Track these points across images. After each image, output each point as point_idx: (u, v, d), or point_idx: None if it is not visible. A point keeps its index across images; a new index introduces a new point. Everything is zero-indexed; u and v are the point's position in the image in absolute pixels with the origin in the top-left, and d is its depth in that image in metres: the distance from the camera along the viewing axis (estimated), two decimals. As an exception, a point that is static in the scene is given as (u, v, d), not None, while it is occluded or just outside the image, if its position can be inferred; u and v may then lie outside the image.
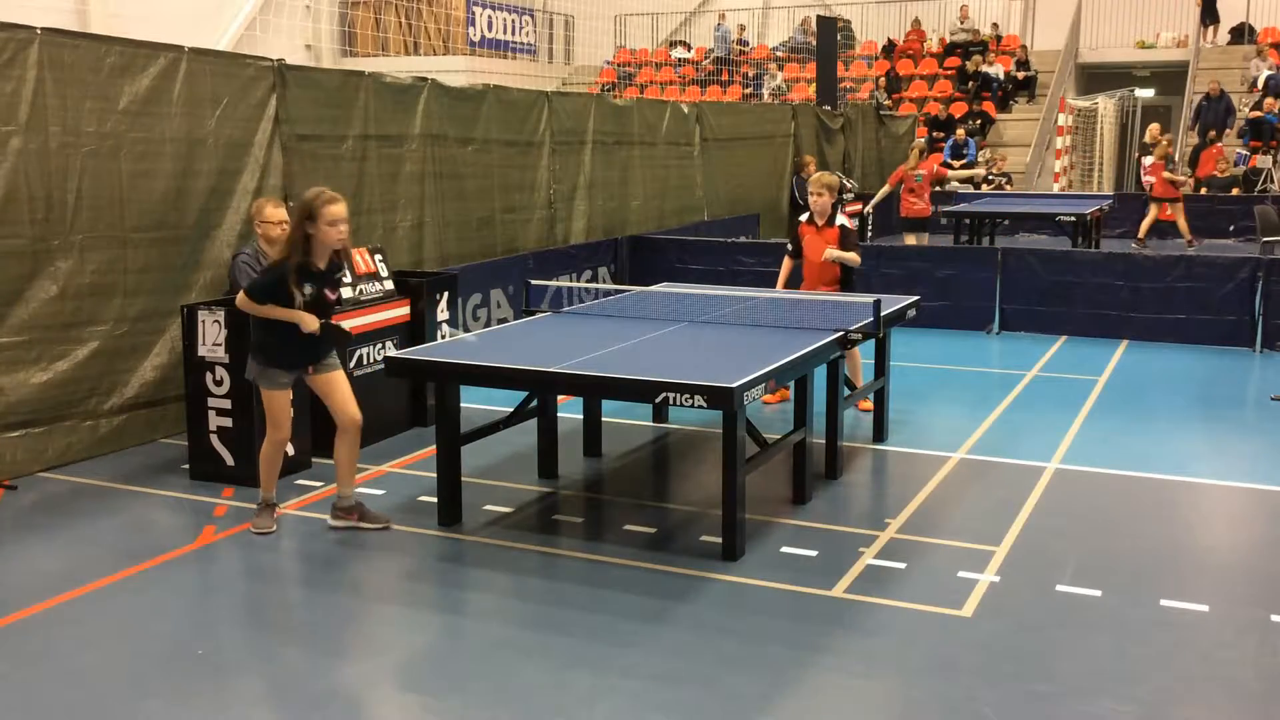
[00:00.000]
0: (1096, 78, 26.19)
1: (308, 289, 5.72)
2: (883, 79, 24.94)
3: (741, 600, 5.08)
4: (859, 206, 17.85)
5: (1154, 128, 20.62)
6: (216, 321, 6.55)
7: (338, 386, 5.92)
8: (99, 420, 7.24)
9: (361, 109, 9.16)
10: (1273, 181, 20.20)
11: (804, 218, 8.26)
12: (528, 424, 6.72)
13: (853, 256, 7.95)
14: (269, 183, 8.21)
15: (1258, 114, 21.09)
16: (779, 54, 26.68)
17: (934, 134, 23.25)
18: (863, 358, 7.77)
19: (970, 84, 24.57)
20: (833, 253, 7.87)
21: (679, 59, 27.44)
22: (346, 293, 7.39)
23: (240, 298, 5.74)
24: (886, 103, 23.88)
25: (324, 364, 5.92)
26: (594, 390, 6.06)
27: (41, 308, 6.89)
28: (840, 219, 8.02)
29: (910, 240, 14.85)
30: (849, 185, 17.98)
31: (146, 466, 7.03)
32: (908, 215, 14.98)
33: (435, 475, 6.09)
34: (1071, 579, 5.28)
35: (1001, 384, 9.27)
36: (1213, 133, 20.85)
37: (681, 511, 6.28)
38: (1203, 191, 20.28)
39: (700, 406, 5.16)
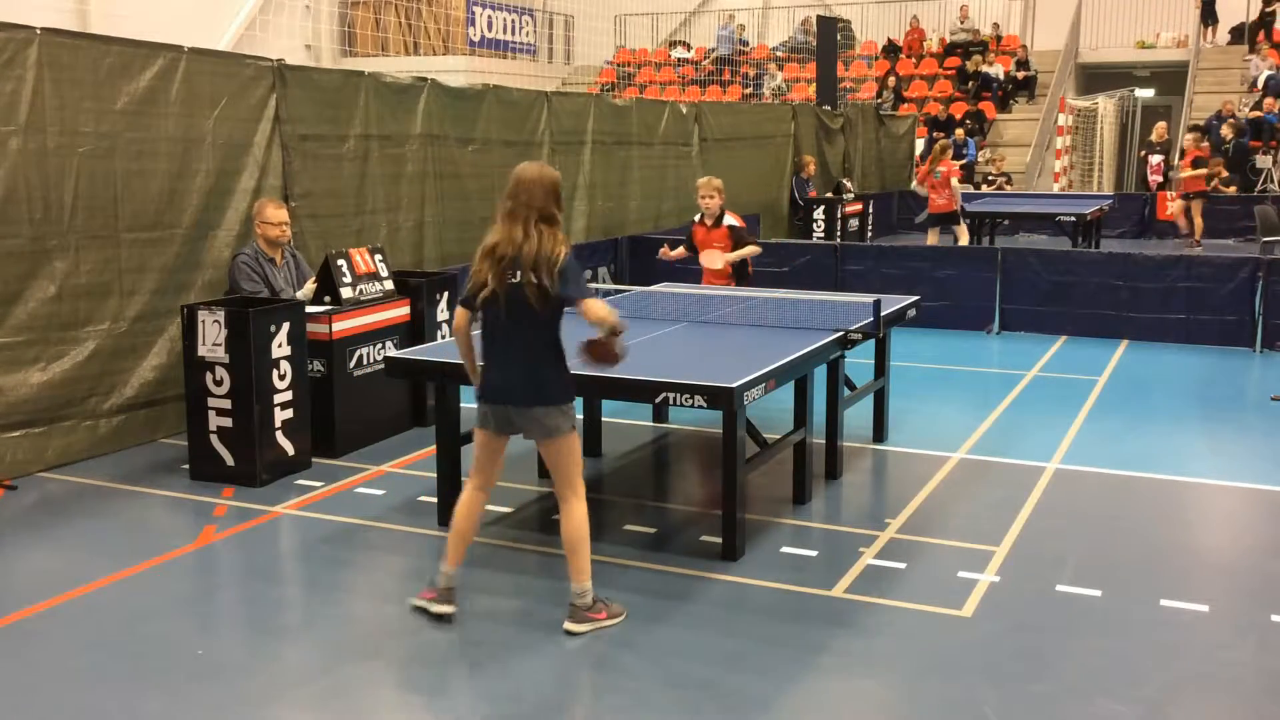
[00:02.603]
0: (1096, 78, 26.19)
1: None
2: (890, 80, 24.89)
3: (741, 600, 5.08)
4: (859, 207, 17.87)
5: (1160, 126, 20.62)
6: (216, 321, 6.55)
7: None
8: (99, 420, 7.23)
9: (362, 109, 9.16)
10: (1273, 181, 20.19)
11: (696, 218, 8.60)
12: (528, 424, 6.71)
13: (750, 250, 8.42)
14: (268, 183, 8.21)
15: (1258, 114, 21.08)
16: (779, 54, 26.67)
17: (934, 134, 23.26)
18: (863, 358, 7.76)
19: (970, 84, 24.57)
20: (729, 256, 8.31)
21: (679, 59, 27.43)
22: (346, 293, 7.40)
23: (598, 307, 4.55)
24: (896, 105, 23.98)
25: None
26: (594, 390, 6.05)
27: (40, 307, 6.88)
28: (728, 219, 8.39)
29: (932, 238, 15.04)
30: (848, 186, 18.02)
31: (146, 466, 7.02)
32: (932, 211, 15.50)
33: (435, 475, 6.09)
34: (1071, 579, 5.27)
35: (1001, 384, 9.27)
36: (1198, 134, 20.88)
37: (681, 511, 6.27)
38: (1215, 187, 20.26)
39: (700, 406, 5.16)
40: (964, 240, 15.60)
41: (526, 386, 4.62)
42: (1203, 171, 17.88)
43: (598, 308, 4.55)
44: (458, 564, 4.85)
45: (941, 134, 23.06)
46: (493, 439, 4.80)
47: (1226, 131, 20.37)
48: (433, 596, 4.81)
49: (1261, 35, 23.40)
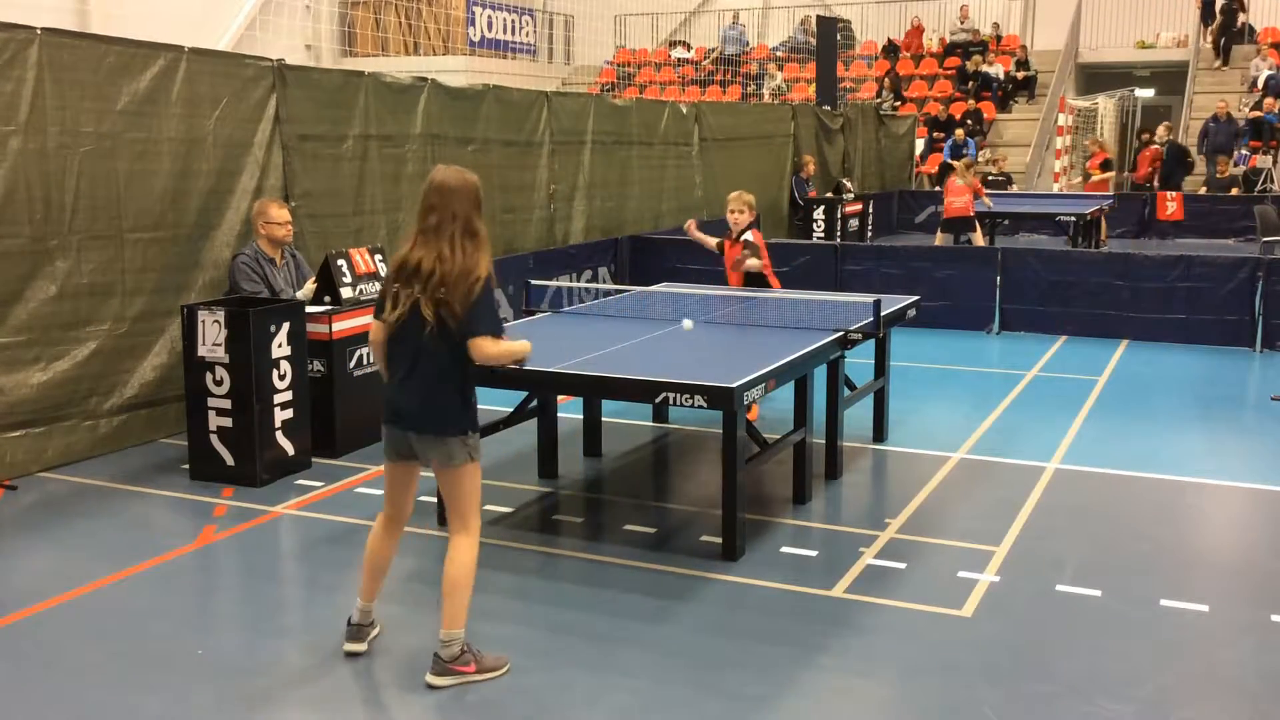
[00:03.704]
0: (1096, 78, 26.18)
1: None
2: (887, 80, 24.89)
3: (741, 600, 5.08)
4: (859, 206, 17.87)
5: (1162, 128, 20.66)
6: (216, 321, 6.55)
7: None
8: (99, 420, 7.24)
9: (361, 109, 9.16)
10: (1273, 181, 20.19)
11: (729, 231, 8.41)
12: (528, 424, 6.72)
13: (753, 263, 8.05)
14: (269, 183, 8.21)
15: (1258, 114, 21.07)
16: (779, 54, 26.67)
17: (934, 134, 23.25)
18: (863, 358, 7.77)
19: (970, 84, 24.57)
20: (750, 263, 8.02)
21: (679, 59, 27.43)
22: (346, 293, 7.40)
23: (490, 347, 4.25)
24: (896, 105, 23.92)
25: None
26: (594, 390, 6.06)
27: (40, 307, 6.88)
28: (747, 235, 8.10)
29: (939, 241, 14.99)
30: (848, 186, 18.02)
31: (146, 466, 7.02)
32: (948, 216, 15.40)
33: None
34: (1071, 579, 5.28)
35: (1001, 384, 9.27)
36: (1146, 135, 20.99)
37: (681, 511, 6.27)
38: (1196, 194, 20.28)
39: (700, 406, 5.16)
40: (980, 244, 15.50)
41: (425, 413, 4.29)
42: (1110, 175, 17.99)
43: (487, 348, 4.23)
44: (369, 599, 4.54)
45: (942, 134, 23.07)
46: (396, 467, 4.44)
47: (1162, 133, 20.45)
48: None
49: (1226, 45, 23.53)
